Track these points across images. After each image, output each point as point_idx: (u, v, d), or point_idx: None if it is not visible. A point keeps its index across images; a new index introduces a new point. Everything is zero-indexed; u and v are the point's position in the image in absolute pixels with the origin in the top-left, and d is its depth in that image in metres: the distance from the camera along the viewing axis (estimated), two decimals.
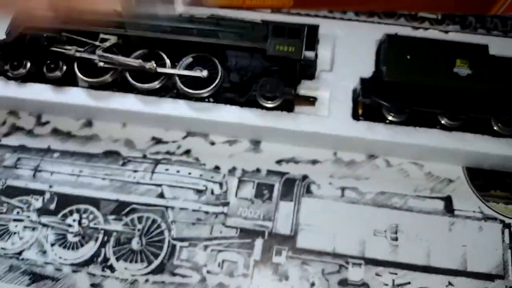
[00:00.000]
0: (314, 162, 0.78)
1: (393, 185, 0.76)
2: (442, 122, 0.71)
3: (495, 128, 0.70)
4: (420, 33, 0.79)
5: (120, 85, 0.78)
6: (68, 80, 0.78)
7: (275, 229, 0.73)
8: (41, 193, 0.77)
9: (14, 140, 0.82)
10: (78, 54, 0.74)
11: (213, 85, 0.73)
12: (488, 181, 0.76)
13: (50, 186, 0.78)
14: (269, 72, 0.74)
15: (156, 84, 0.75)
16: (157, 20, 0.75)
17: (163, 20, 0.76)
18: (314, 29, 0.75)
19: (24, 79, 0.78)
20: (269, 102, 0.73)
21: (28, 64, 0.78)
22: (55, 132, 0.83)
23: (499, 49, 0.73)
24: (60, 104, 0.78)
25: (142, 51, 0.76)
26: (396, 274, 0.69)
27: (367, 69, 0.76)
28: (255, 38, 0.73)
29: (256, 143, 0.80)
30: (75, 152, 0.81)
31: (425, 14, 0.89)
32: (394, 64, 0.71)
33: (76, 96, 0.77)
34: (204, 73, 0.72)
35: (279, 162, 0.79)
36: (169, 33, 0.74)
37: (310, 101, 0.75)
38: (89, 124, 0.83)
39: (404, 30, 0.79)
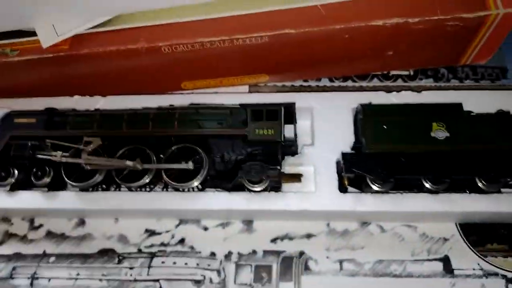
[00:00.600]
0: (308, 236, 0.79)
1: (389, 252, 0.76)
2: (427, 186, 0.72)
3: (480, 185, 0.71)
4: (394, 96, 0.81)
5: (110, 182, 0.79)
6: (57, 184, 0.79)
7: None
8: None
9: (8, 248, 0.82)
10: (64, 159, 0.75)
11: (200, 175, 0.74)
12: (483, 235, 0.76)
13: None
14: (252, 155, 0.75)
15: (144, 180, 0.75)
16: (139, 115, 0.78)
17: (142, 115, 0.78)
18: (290, 106, 0.77)
19: (12, 188, 0.79)
20: (256, 185, 0.74)
21: (16, 173, 0.78)
22: (49, 235, 0.83)
23: (473, 102, 0.76)
24: (52, 209, 0.78)
25: (126, 148, 0.77)
26: None
27: (347, 139, 0.77)
28: (235, 124, 0.75)
29: (248, 223, 0.80)
30: (71, 254, 0.80)
31: (396, 72, 0.92)
32: (372, 135, 0.72)
33: (66, 200, 0.77)
34: (190, 165, 0.73)
35: (274, 240, 0.79)
36: (151, 129, 0.76)
37: (296, 177, 0.76)
38: (82, 223, 0.83)
39: (378, 95, 0.81)
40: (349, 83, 0.92)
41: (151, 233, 0.81)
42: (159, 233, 0.81)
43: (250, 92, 0.92)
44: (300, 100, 0.81)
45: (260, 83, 0.92)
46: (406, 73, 0.92)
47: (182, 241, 0.80)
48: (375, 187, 0.72)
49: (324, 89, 0.91)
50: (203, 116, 0.77)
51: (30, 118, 0.80)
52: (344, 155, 0.74)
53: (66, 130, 0.78)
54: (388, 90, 0.85)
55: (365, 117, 0.74)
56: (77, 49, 0.78)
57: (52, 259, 0.81)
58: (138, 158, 0.75)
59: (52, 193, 0.78)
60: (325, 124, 0.79)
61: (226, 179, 0.76)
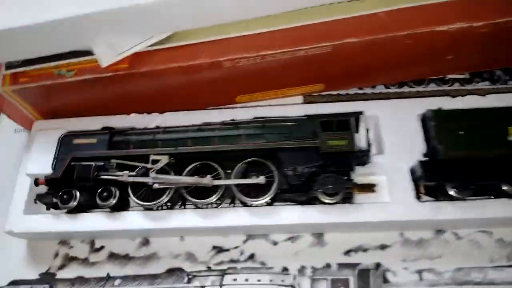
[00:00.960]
0: (383, 247, 0.77)
1: (467, 259, 0.74)
2: (507, 190, 0.70)
3: None
4: (460, 100, 0.80)
5: (176, 201, 0.77)
6: (121, 205, 0.77)
7: None
8: None
9: (70, 272, 0.80)
10: (131, 179, 0.74)
11: (272, 190, 0.72)
12: None
13: None
14: (324, 167, 0.73)
15: (214, 198, 0.74)
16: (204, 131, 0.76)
17: (207, 131, 0.77)
18: (358, 115, 0.76)
19: (75, 210, 0.77)
20: (330, 198, 0.72)
21: (78, 195, 0.76)
22: (112, 256, 0.81)
23: None
24: (116, 230, 0.76)
25: (194, 165, 0.75)
26: None
27: (416, 146, 0.76)
28: (304, 135, 0.74)
29: (319, 236, 0.78)
30: (137, 275, 0.78)
31: (452, 75, 0.91)
32: (447, 141, 0.71)
33: (132, 221, 0.75)
34: (262, 179, 0.72)
35: (347, 253, 0.77)
36: (219, 144, 0.75)
37: (369, 188, 0.74)
38: (146, 242, 0.81)
39: (443, 100, 0.80)
40: (405, 89, 0.90)
41: (219, 249, 0.79)
42: (228, 250, 0.79)
43: (304, 102, 0.91)
44: (363, 108, 0.79)
45: (315, 92, 0.91)
46: (462, 76, 0.91)
47: (252, 256, 0.78)
48: (454, 194, 0.70)
49: (380, 96, 0.90)
50: (270, 129, 0.75)
51: (90, 138, 0.79)
52: (422, 163, 0.72)
53: (129, 149, 0.77)
54: (447, 94, 0.85)
55: (438, 123, 0.73)
56: (137, 67, 0.77)
57: (117, 281, 0.78)
58: (209, 174, 0.73)
59: (117, 213, 0.77)
60: (392, 132, 0.78)
61: (297, 192, 0.74)
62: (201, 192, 0.75)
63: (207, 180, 0.72)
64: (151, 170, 0.73)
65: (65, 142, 0.79)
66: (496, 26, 0.75)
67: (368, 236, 0.77)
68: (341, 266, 0.76)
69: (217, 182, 0.73)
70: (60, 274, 0.80)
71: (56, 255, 0.82)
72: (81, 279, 0.79)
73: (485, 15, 0.75)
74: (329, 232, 0.78)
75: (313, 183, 0.72)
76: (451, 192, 0.70)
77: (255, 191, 0.74)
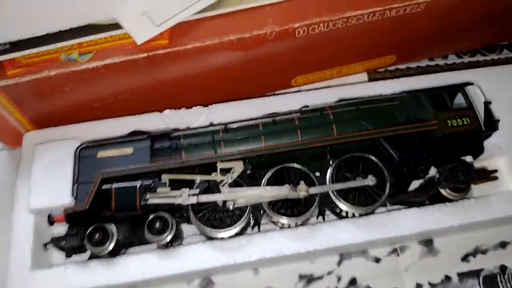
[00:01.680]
0: (503, 244, 0.63)
1: None
2: None
3: None
4: None
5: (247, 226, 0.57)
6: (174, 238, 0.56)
7: None
8: None
9: None
10: (193, 199, 0.53)
11: (385, 193, 0.55)
12: None
13: None
14: (438, 153, 0.58)
15: (312, 211, 0.55)
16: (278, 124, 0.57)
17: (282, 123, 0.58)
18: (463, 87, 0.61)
19: (112, 254, 0.54)
20: (457, 193, 0.57)
21: (114, 232, 0.53)
22: None
23: None
24: (173, 276, 0.55)
25: (273, 171, 0.56)
26: None
27: None
28: (411, 117, 0.58)
29: (427, 243, 0.63)
30: None
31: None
32: None
33: (199, 258, 0.54)
34: (371, 179, 0.54)
35: (465, 258, 0.63)
36: (304, 138, 0.56)
37: (491, 176, 0.60)
38: (207, 284, 0.60)
39: None
40: (480, 58, 0.78)
41: (308, 279, 0.61)
42: (320, 277, 0.61)
43: (370, 80, 0.75)
44: (455, 79, 0.65)
45: (384, 66, 0.75)
46: None
47: (353, 282, 0.61)
48: None
49: (455, 67, 0.76)
50: (367, 112, 0.58)
51: (122, 148, 0.56)
52: None
53: (183, 159, 0.55)
54: None
55: None
56: (182, 43, 0.56)
57: None
58: (302, 181, 0.54)
59: (171, 251, 0.55)
60: (500, 104, 0.64)
61: (413, 192, 0.58)
62: (284, 206, 0.56)
63: (303, 189, 0.53)
64: (223, 184, 0.53)
65: (85, 156, 0.56)
66: None
67: (481, 235, 0.64)
68: (462, 276, 0.61)
69: (313, 190, 0.54)
70: None
71: None
72: None
73: None
74: (439, 236, 0.63)
75: (437, 177, 0.56)
76: None
77: (356, 197, 0.56)
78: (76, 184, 0.54)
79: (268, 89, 0.71)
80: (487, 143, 0.62)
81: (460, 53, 0.78)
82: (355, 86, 0.67)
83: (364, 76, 0.75)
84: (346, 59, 0.71)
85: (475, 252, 0.63)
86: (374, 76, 0.75)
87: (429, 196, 0.57)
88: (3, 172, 0.67)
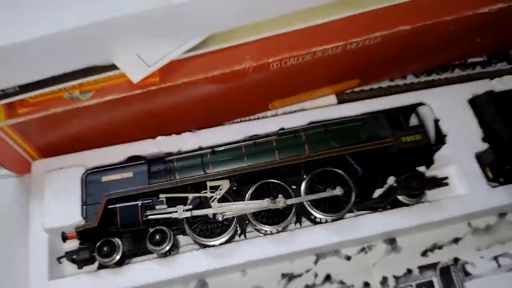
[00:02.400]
0: (455, 240, 0.74)
1: None
2: None
3: None
4: (497, 81, 0.79)
5: (236, 231, 0.66)
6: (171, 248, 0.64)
7: None
8: None
9: None
10: (187, 214, 0.61)
11: (351, 201, 0.65)
12: None
13: None
14: (394, 166, 0.68)
15: (289, 220, 0.64)
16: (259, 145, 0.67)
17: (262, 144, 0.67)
18: (415, 108, 0.72)
19: (119, 263, 0.63)
20: (412, 199, 0.67)
21: (120, 245, 0.62)
22: None
23: None
24: (173, 279, 0.63)
25: (255, 187, 0.65)
26: None
27: (474, 131, 0.74)
28: (372, 135, 0.68)
29: (391, 242, 0.73)
30: None
31: (472, 59, 0.91)
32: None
33: (194, 263, 0.63)
34: (338, 190, 0.64)
35: (424, 253, 0.73)
36: (282, 157, 0.65)
37: (442, 183, 0.70)
38: (202, 285, 0.69)
39: (482, 84, 0.78)
40: (434, 77, 0.89)
41: (289, 277, 0.70)
42: (299, 275, 0.70)
43: (339, 102, 0.85)
44: (410, 99, 0.75)
45: (350, 88, 0.85)
46: (480, 59, 0.91)
47: (328, 278, 0.70)
48: None
49: (413, 87, 0.87)
50: (334, 133, 0.68)
51: (123, 172, 0.65)
52: (493, 147, 0.70)
53: (177, 179, 0.64)
54: (472, 78, 0.85)
55: (496, 105, 0.71)
56: (171, 80, 0.65)
57: None
58: (280, 194, 0.63)
59: (170, 258, 0.64)
60: (447, 119, 0.75)
61: (374, 199, 0.68)
62: (266, 217, 0.65)
63: (280, 201, 0.63)
64: (212, 199, 0.62)
65: (92, 181, 0.64)
66: None
67: (438, 233, 0.74)
68: (422, 269, 0.71)
69: (290, 201, 0.64)
70: None
71: None
72: None
73: None
74: (401, 235, 0.73)
75: (395, 186, 0.66)
76: None
77: (326, 206, 0.66)
78: (85, 206, 0.62)
79: (249, 113, 0.80)
80: (439, 154, 0.73)
81: (418, 73, 0.89)
82: (324, 109, 0.76)
83: (333, 97, 0.85)
84: (315, 85, 0.80)
85: (433, 248, 0.73)
86: (342, 97, 0.85)
87: (389, 202, 0.67)
88: (13, 196, 0.74)
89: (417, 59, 0.83)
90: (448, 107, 0.76)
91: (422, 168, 0.73)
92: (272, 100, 0.79)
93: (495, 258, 0.72)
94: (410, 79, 0.88)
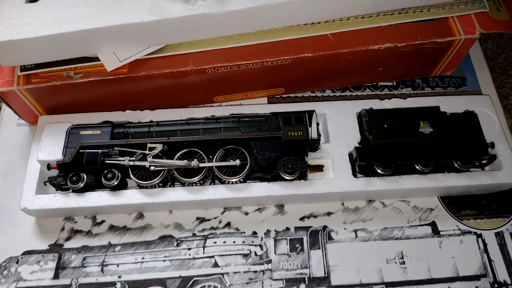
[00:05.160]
0: (329, 214, 1.00)
1: (391, 221, 0.99)
2: (418, 169, 0.95)
3: (456, 166, 0.95)
4: (386, 102, 1.04)
5: (167, 181, 0.95)
6: (121, 185, 0.95)
7: (312, 274, 0.93)
8: (112, 284, 0.92)
9: (76, 242, 0.96)
10: (131, 163, 0.91)
11: (245, 170, 0.93)
12: (459, 205, 1.01)
13: (119, 277, 0.92)
14: (285, 152, 0.95)
15: (200, 177, 0.93)
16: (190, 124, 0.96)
17: (193, 124, 0.96)
18: (311, 113, 0.98)
19: (82, 190, 0.93)
20: (290, 175, 0.94)
21: (85, 177, 0.93)
22: (112, 228, 0.97)
23: (444, 104, 1.01)
24: (117, 206, 0.93)
25: (183, 151, 0.94)
26: None
27: (354, 136, 1.00)
28: (270, 128, 0.95)
29: (280, 207, 1.00)
30: (134, 242, 0.96)
31: (383, 83, 1.16)
32: (376, 132, 0.95)
33: (131, 197, 0.93)
34: (237, 162, 0.92)
35: (302, 219, 0.99)
36: (203, 135, 0.94)
37: (319, 168, 0.97)
38: (141, 216, 0.99)
39: (374, 102, 1.04)
40: (348, 93, 1.14)
41: (201, 220, 0.98)
42: (209, 220, 0.98)
43: (269, 103, 1.12)
44: (314, 107, 1.02)
45: (277, 95, 1.12)
46: (390, 83, 1.16)
47: (228, 224, 0.98)
48: (380, 172, 0.94)
49: (328, 98, 1.13)
50: (244, 123, 0.96)
51: (94, 130, 0.95)
52: (357, 148, 0.96)
53: (129, 139, 0.94)
54: (380, 98, 1.09)
55: (370, 119, 0.97)
56: (135, 72, 0.95)
57: (117, 248, 0.96)
58: (195, 158, 0.92)
59: (118, 192, 0.94)
60: (336, 125, 1.01)
61: (265, 171, 0.95)
62: (188, 173, 0.94)
63: (195, 163, 0.91)
64: (148, 156, 0.92)
65: (73, 133, 0.95)
66: (414, 46, 1.01)
67: (318, 206, 1.00)
68: (297, 229, 0.98)
69: (202, 165, 0.92)
70: (67, 245, 0.96)
71: (63, 229, 0.98)
72: (86, 248, 0.95)
73: (407, 38, 1.00)
74: (288, 203, 1.00)
75: (277, 165, 0.93)
76: (378, 170, 0.94)
77: (232, 172, 0.94)
78: (65, 148, 0.94)
79: (196, 102, 1.09)
80: (324, 148, 0.99)
81: (335, 88, 1.15)
82: (254, 106, 1.05)
83: (265, 99, 1.13)
84: (248, 88, 1.08)
85: (309, 216, 0.99)
86: (271, 100, 1.13)
87: (273, 176, 0.94)
88: (24, 137, 1.07)
89: (329, 79, 1.10)
90: (341, 117, 1.02)
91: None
92: (215, 95, 1.08)
93: (355, 231, 0.98)
94: (328, 92, 1.14)
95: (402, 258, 0.94)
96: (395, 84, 1.16)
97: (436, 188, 0.96)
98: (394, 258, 0.94)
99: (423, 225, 0.98)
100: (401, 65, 1.08)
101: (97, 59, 0.95)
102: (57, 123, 0.98)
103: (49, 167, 0.93)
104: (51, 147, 0.95)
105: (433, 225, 0.98)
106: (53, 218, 0.99)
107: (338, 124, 1.01)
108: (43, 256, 0.94)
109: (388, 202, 1.01)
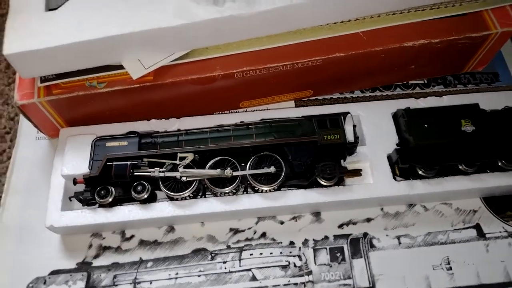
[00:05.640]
0: (368, 220, 0.95)
1: (434, 225, 0.94)
2: (461, 169, 0.91)
3: (500, 165, 0.91)
4: (422, 101, 1.00)
5: (198, 192, 0.91)
6: (150, 198, 0.90)
7: (356, 284, 0.88)
8: None
9: (105, 259, 0.92)
10: (161, 174, 0.87)
11: (281, 178, 0.88)
12: (502, 205, 0.96)
13: None
14: (321, 156, 0.90)
15: (234, 186, 0.88)
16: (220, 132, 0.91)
17: (223, 131, 0.92)
18: (345, 115, 0.94)
19: (111, 204, 0.89)
20: (328, 181, 0.89)
21: (113, 190, 0.88)
22: (143, 243, 0.93)
23: (482, 101, 0.96)
24: (149, 220, 0.89)
25: (214, 160, 0.90)
26: None
27: (391, 137, 0.95)
28: (304, 132, 0.91)
29: (317, 215, 0.95)
30: (166, 257, 0.91)
31: (414, 81, 1.12)
32: (416, 133, 0.90)
33: (162, 210, 0.88)
34: (272, 169, 0.88)
35: (340, 226, 0.94)
36: (234, 142, 0.90)
37: (357, 172, 0.92)
38: (171, 229, 0.94)
39: (410, 101, 1.00)
40: (378, 93, 1.10)
41: (235, 231, 0.94)
42: (243, 230, 0.94)
43: (296, 106, 1.08)
44: (346, 109, 0.98)
45: (305, 97, 1.08)
46: (421, 81, 1.12)
47: (263, 235, 0.93)
48: (422, 174, 0.90)
49: (358, 99, 1.09)
50: (276, 128, 0.92)
51: (121, 141, 0.91)
52: (397, 150, 0.91)
53: (158, 149, 0.90)
54: (414, 97, 1.05)
55: (408, 119, 0.92)
56: (161, 79, 0.91)
57: (149, 264, 0.91)
58: (228, 167, 0.88)
59: (148, 205, 0.89)
60: (371, 127, 0.97)
61: (301, 178, 0.91)
62: (219, 183, 0.90)
63: (228, 172, 0.87)
64: (180, 166, 0.87)
65: (98, 145, 0.91)
66: (449, 42, 0.96)
67: (355, 212, 0.95)
68: (337, 237, 0.93)
69: (236, 173, 0.88)
70: (96, 262, 0.91)
71: (90, 246, 0.93)
72: (116, 265, 0.91)
73: (441, 34, 0.96)
74: (325, 211, 0.96)
75: (314, 170, 0.89)
76: (420, 172, 0.90)
77: (266, 180, 0.89)
78: (91, 161, 0.89)
79: (223, 108, 1.05)
80: (360, 152, 0.95)
81: (364, 89, 1.11)
82: (282, 110, 1.01)
83: (292, 103, 1.08)
84: (276, 92, 1.03)
85: (348, 223, 0.95)
86: (299, 103, 1.08)
87: (310, 182, 0.90)
88: (45, 152, 1.02)
89: (360, 79, 1.05)
90: (376, 118, 0.98)
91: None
92: (241, 100, 1.04)
93: (398, 237, 0.93)
94: (357, 93, 1.10)
95: (449, 263, 0.90)
96: (426, 82, 1.12)
97: (478, 189, 0.92)
98: (441, 264, 0.90)
99: (467, 228, 0.94)
100: (434, 62, 1.04)
101: (120, 67, 0.90)
102: (80, 135, 0.94)
103: (75, 181, 0.88)
104: (76, 161, 0.91)
105: (477, 227, 0.94)
106: (80, 235, 0.94)
107: (373, 125, 0.97)
108: (71, 275, 0.90)
109: (429, 205, 0.96)
